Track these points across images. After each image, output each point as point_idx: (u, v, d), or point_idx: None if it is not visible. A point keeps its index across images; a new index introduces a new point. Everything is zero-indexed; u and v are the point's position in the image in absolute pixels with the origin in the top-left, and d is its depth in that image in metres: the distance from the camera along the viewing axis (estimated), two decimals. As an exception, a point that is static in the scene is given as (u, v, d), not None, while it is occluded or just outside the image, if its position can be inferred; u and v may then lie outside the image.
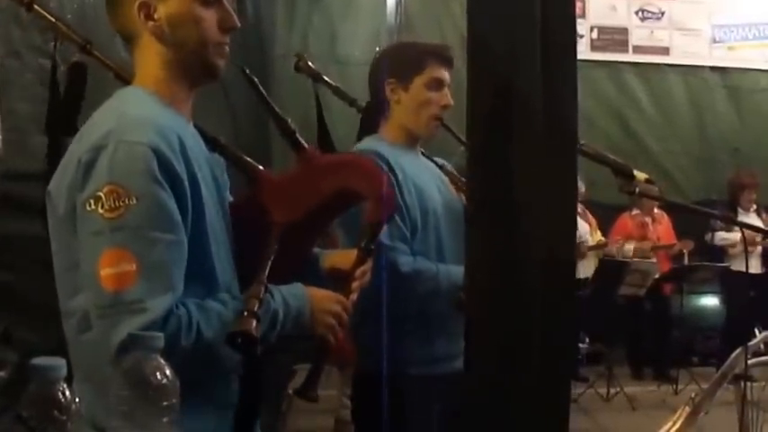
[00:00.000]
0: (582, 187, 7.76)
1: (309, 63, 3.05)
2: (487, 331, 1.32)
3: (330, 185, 1.90)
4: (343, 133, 3.36)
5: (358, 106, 2.93)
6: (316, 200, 1.88)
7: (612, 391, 7.14)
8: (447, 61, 2.76)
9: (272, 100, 2.07)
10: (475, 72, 1.31)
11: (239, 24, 1.84)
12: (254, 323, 1.60)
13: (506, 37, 1.28)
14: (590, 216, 8.12)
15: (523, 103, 1.27)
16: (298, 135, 1.98)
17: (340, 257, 2.06)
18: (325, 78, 3.03)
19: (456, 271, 2.52)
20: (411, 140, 2.83)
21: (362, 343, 2.61)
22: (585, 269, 7.60)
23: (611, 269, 7.25)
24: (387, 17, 7.58)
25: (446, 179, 2.88)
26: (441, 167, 2.92)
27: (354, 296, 1.95)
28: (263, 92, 1.97)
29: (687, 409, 3.47)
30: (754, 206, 8.28)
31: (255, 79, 1.95)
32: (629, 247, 8.01)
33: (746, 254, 7.66)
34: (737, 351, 3.38)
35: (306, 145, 1.98)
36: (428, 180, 2.80)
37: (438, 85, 2.75)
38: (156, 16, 1.74)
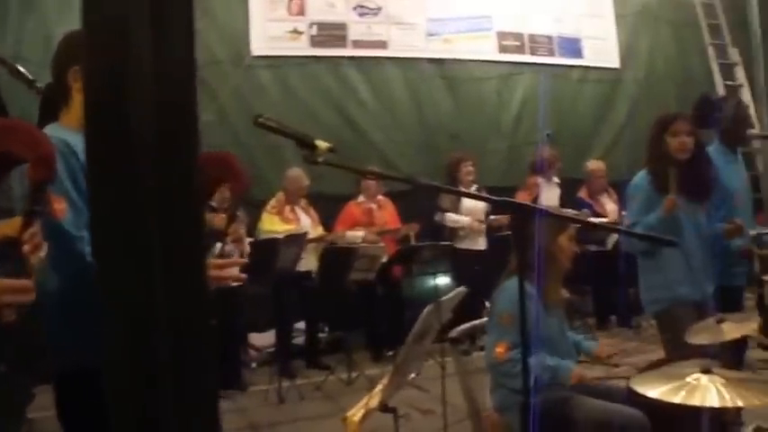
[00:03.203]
0: (306, 181, 7.89)
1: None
2: (117, 305, 1.33)
3: None
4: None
5: (37, 88, 2.83)
6: None
7: (354, 375, 7.34)
8: None
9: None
10: (90, 42, 1.32)
11: None
12: None
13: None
14: (312, 211, 8.22)
15: (135, 68, 1.26)
16: None
17: (8, 225, 1.99)
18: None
19: None
20: None
21: (58, 341, 2.53)
22: (308, 262, 7.74)
23: (339, 256, 7.38)
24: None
25: None
26: None
27: (34, 260, 1.92)
28: None
29: (391, 369, 3.61)
30: (475, 186, 8.66)
31: None
32: (358, 233, 8.17)
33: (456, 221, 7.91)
34: (428, 308, 3.53)
35: None
36: None
37: None
38: None
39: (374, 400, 3.39)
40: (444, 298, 3.78)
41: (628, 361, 4.73)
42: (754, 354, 5.54)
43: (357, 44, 9.62)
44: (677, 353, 3.84)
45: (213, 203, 5.69)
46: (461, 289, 4.22)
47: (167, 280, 1.29)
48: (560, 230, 4.04)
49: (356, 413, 3.32)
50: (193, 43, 1.31)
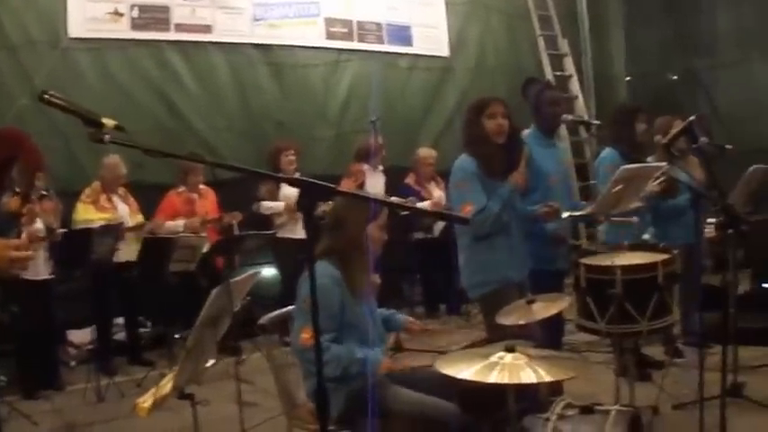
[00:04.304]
0: (123, 169, 7.59)
1: None
2: None
3: None
4: None
5: None
6: None
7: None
8: None
9: None
10: None
11: None
12: None
13: None
14: (131, 198, 7.89)
15: None
16: None
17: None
18: None
19: None
20: None
21: None
22: (128, 252, 7.38)
23: (158, 247, 7.13)
24: None
25: None
26: None
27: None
28: None
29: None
30: (298, 174, 8.45)
31: None
32: (179, 222, 7.93)
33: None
34: (216, 290, 3.39)
35: None
36: None
37: None
38: None
39: (166, 386, 3.26)
40: (234, 279, 3.62)
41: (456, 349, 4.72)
42: (576, 337, 5.66)
43: (180, 28, 9.28)
44: (498, 334, 3.83)
45: (17, 189, 5.36)
46: (254, 271, 4.12)
47: None
48: (371, 219, 3.94)
49: (146, 399, 3.20)
50: None
